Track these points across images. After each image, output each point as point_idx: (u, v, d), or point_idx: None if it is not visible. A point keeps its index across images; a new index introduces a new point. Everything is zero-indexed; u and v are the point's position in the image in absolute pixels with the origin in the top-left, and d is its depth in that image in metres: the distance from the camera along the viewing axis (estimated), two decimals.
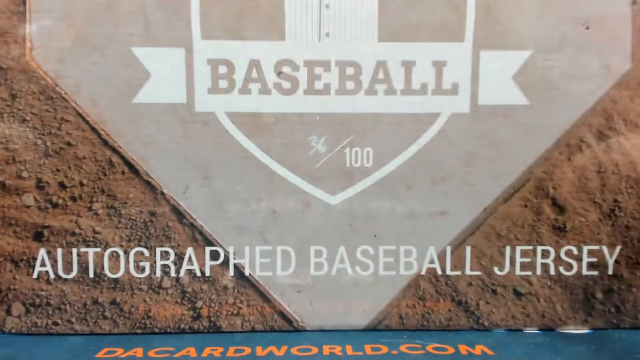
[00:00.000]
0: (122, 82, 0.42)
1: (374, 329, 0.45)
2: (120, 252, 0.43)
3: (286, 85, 0.42)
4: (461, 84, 0.42)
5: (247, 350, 0.42)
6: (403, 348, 0.42)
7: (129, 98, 0.42)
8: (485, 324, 0.45)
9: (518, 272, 0.44)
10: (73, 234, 0.43)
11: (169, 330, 0.44)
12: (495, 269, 0.44)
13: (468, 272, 0.44)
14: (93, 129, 0.42)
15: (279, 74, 0.42)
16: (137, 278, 0.43)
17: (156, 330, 0.44)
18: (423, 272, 0.44)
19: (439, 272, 0.44)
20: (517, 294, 0.45)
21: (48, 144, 0.42)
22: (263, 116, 0.42)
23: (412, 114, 0.43)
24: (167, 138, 0.42)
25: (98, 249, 0.43)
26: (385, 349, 0.42)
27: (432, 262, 0.44)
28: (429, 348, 0.42)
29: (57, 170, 0.42)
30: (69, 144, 0.42)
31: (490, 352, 0.42)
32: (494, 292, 0.45)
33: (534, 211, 0.44)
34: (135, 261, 0.43)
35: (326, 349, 0.42)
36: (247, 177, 0.43)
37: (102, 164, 0.43)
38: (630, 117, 0.44)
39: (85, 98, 0.42)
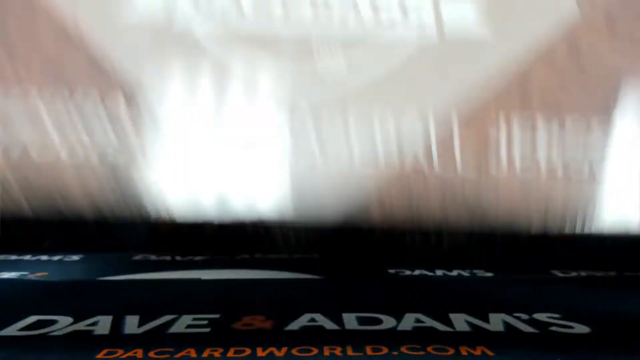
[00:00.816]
0: None
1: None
2: None
3: None
4: None
5: (247, 351, 0.42)
6: (403, 349, 0.42)
7: None
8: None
9: None
10: None
11: None
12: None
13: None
14: None
15: None
16: None
17: None
18: None
19: None
20: None
21: None
22: None
23: None
24: None
25: None
26: (385, 350, 0.42)
27: None
28: (430, 349, 0.42)
29: None
30: None
31: (490, 353, 0.42)
32: None
33: None
34: None
35: (326, 350, 0.42)
36: None
37: None
38: None
39: None
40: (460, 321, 0.46)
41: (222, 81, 0.52)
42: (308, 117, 0.51)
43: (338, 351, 0.42)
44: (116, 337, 0.44)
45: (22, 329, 0.46)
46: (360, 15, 0.46)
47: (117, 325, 0.46)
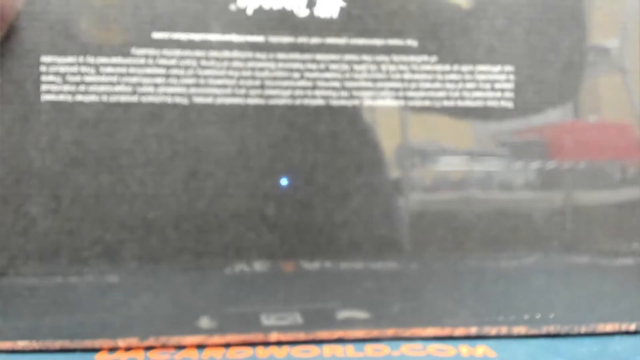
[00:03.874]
0: None
1: None
2: None
3: None
4: None
5: (249, 351, 0.42)
6: (404, 349, 0.43)
7: None
8: None
9: None
10: None
11: None
12: None
13: None
14: None
15: None
16: None
17: None
18: None
19: None
20: None
21: None
22: None
23: None
24: None
25: None
26: (386, 350, 0.42)
27: None
28: (430, 349, 0.43)
29: None
30: None
31: (492, 354, 0.42)
32: None
33: None
34: None
35: (327, 351, 0.42)
36: None
37: None
38: None
39: None
40: None
41: None
42: None
43: (339, 352, 0.42)
44: None
45: None
46: None
47: None
